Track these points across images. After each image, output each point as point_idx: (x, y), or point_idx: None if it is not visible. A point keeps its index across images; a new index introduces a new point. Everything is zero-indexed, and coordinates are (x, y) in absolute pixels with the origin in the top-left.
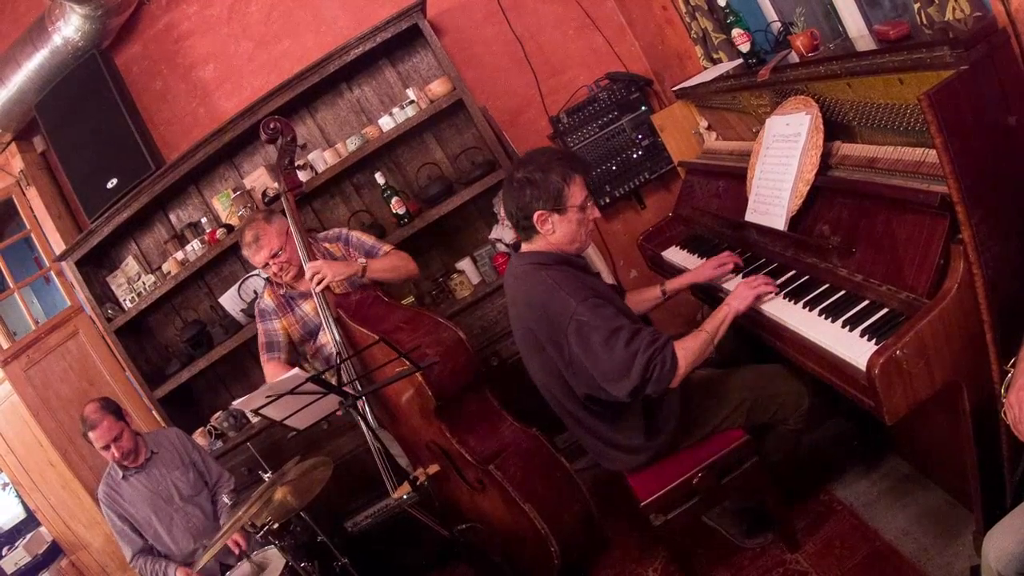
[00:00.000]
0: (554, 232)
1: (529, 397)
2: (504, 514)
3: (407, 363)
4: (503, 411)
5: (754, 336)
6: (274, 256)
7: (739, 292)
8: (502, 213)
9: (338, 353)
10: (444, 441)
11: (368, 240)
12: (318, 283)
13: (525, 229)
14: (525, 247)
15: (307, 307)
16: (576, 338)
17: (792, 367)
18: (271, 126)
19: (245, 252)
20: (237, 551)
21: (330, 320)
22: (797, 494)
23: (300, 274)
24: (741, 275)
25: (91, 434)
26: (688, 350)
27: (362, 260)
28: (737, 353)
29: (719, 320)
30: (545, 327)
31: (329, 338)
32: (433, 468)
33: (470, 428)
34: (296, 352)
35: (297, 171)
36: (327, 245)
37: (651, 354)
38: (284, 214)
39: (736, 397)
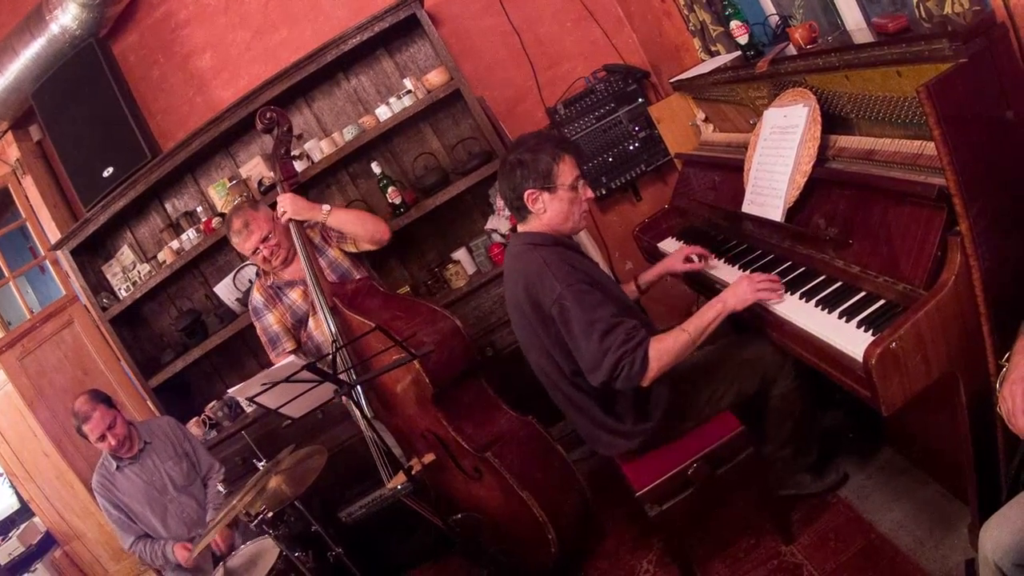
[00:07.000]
0: (545, 211)
1: (524, 387)
2: (501, 503)
3: (402, 351)
4: (499, 400)
5: (747, 324)
6: (264, 240)
7: (738, 289)
8: (499, 203)
9: (333, 341)
10: (440, 429)
11: None
12: (282, 214)
13: (519, 209)
14: (520, 228)
15: (294, 295)
16: (560, 321)
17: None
18: (267, 116)
19: (234, 240)
20: (218, 552)
21: (319, 294)
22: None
23: (290, 257)
24: (738, 266)
25: (85, 427)
26: (663, 352)
27: (327, 207)
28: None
29: (707, 320)
30: (534, 305)
31: (321, 321)
32: (428, 457)
33: (467, 416)
34: (298, 340)
35: (293, 161)
36: (309, 231)
37: (621, 355)
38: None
39: (720, 372)
